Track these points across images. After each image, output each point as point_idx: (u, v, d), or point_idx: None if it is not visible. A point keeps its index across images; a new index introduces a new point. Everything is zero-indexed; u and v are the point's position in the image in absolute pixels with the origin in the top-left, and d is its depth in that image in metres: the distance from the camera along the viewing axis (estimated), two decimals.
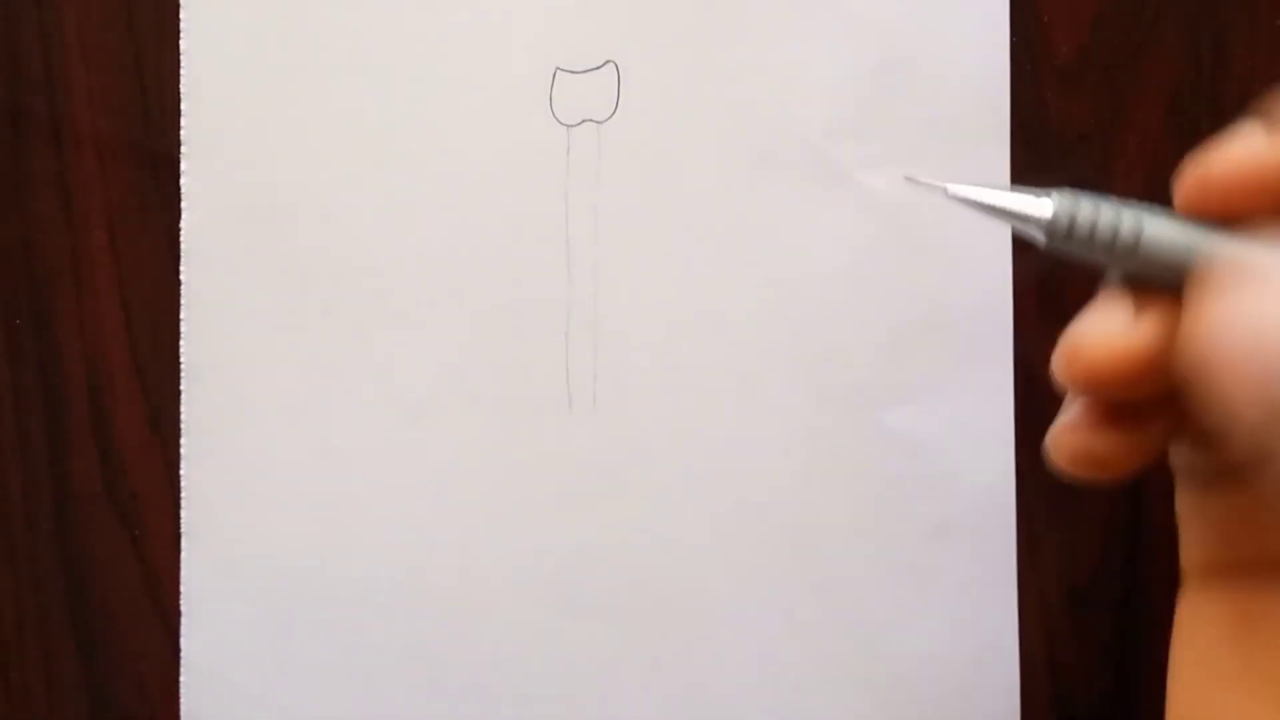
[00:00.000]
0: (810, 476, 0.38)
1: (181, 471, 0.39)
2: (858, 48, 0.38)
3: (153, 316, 0.39)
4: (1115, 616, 0.38)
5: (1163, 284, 0.20)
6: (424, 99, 0.38)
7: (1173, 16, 0.38)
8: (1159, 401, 0.20)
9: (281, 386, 0.39)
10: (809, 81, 0.38)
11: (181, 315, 0.39)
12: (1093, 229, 0.20)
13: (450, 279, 0.39)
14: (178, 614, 0.39)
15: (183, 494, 0.39)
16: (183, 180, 0.39)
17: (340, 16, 0.39)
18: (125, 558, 0.40)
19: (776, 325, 0.38)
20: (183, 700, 0.39)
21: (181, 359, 0.39)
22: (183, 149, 0.39)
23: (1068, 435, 0.21)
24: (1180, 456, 0.23)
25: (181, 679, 0.39)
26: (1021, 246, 0.38)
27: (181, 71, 0.39)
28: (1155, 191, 0.38)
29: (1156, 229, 0.20)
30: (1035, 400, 0.38)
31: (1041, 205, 0.21)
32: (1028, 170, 0.38)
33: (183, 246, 0.39)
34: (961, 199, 0.22)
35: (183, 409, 0.39)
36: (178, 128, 0.39)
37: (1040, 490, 0.38)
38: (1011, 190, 0.22)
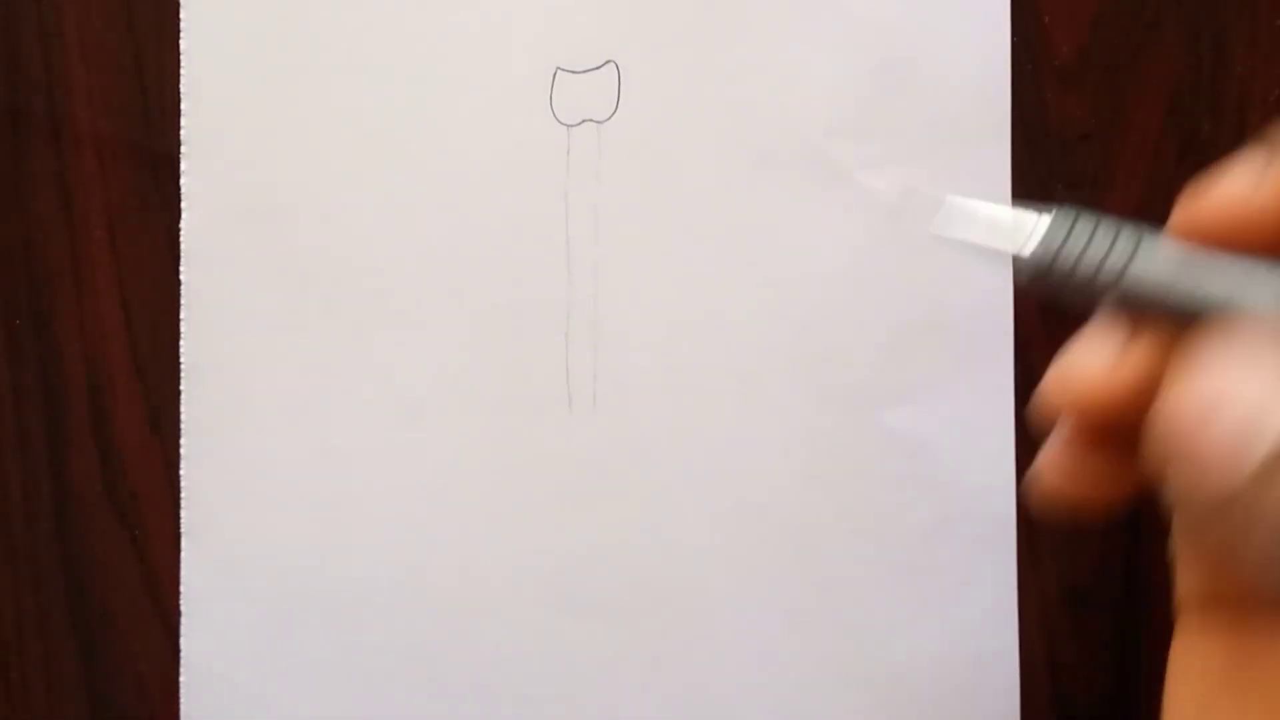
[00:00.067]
0: (810, 476, 0.38)
1: (181, 471, 0.39)
2: (858, 48, 0.38)
3: (153, 316, 0.39)
4: (1115, 616, 0.38)
5: (1156, 313, 0.19)
6: (424, 99, 0.38)
7: (1173, 16, 0.38)
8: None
9: (281, 386, 0.39)
10: (809, 81, 0.38)
11: (181, 315, 0.39)
12: (1080, 261, 0.19)
13: (450, 279, 0.39)
14: (178, 614, 0.39)
15: (183, 494, 0.39)
16: (183, 180, 0.39)
17: (340, 16, 0.39)
18: (125, 558, 0.40)
19: (776, 325, 0.38)
20: (183, 700, 0.39)
21: (181, 359, 0.39)
22: (183, 149, 0.39)
23: (1053, 467, 0.21)
24: (1174, 487, 0.22)
25: (181, 679, 0.39)
26: None
27: (181, 71, 0.39)
28: (1155, 191, 0.38)
29: (1146, 264, 0.19)
30: (1035, 400, 0.38)
31: (1030, 228, 0.20)
32: (1028, 170, 0.38)
33: (183, 246, 0.39)
34: (953, 220, 0.21)
35: (183, 409, 0.39)
36: (178, 128, 0.39)
37: None
38: (1002, 210, 0.21)
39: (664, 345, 0.38)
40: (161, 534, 0.40)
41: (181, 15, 0.39)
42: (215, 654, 0.39)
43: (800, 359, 0.38)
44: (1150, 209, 0.38)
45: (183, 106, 0.39)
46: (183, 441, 0.39)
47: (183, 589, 0.39)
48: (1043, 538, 0.38)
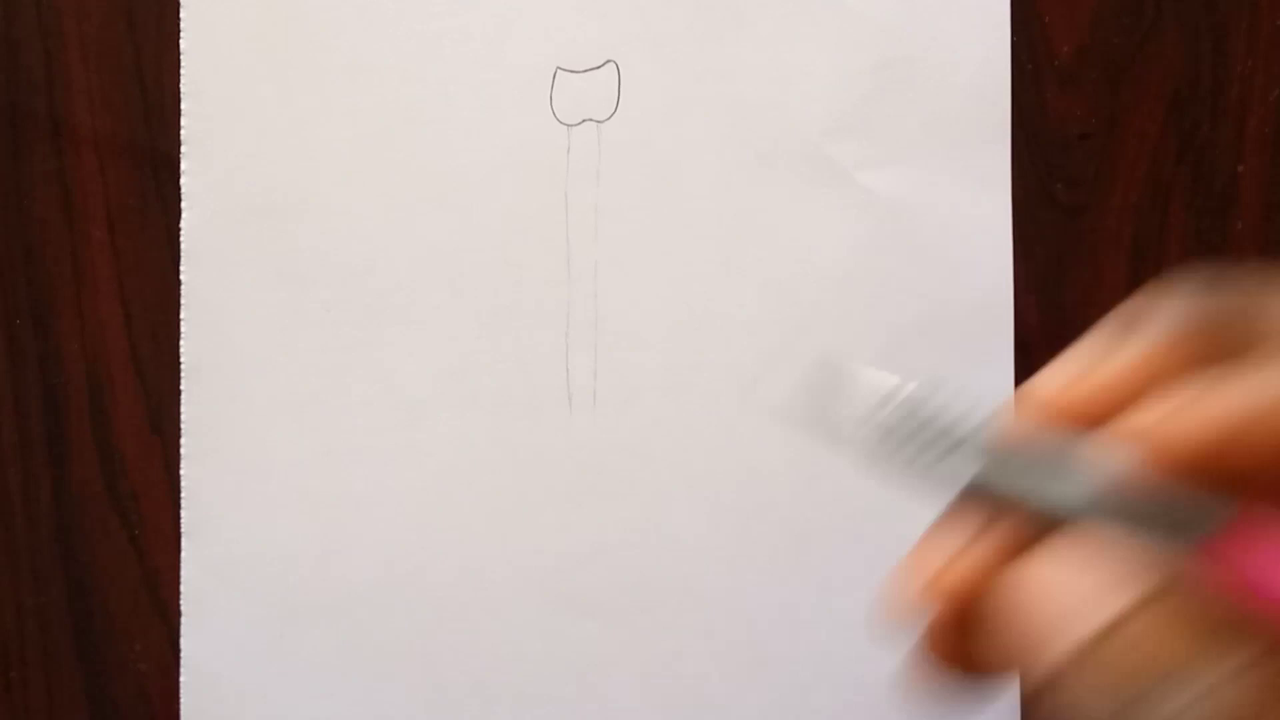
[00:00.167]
0: (810, 476, 0.38)
1: (181, 471, 0.39)
2: (857, 47, 0.38)
3: (153, 316, 0.39)
4: None
5: (997, 499, 0.18)
6: (424, 99, 0.38)
7: (1173, 16, 0.38)
8: None
9: (281, 386, 0.39)
10: (809, 81, 0.38)
11: (181, 315, 0.39)
12: (919, 445, 0.18)
13: (450, 279, 0.39)
14: (178, 614, 0.39)
15: (183, 494, 0.39)
16: (183, 180, 0.39)
17: (340, 17, 0.39)
18: (125, 558, 0.40)
19: (776, 325, 0.38)
20: (183, 700, 0.39)
21: (181, 359, 0.39)
22: (183, 149, 0.39)
23: (927, 654, 0.19)
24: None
25: (181, 679, 0.39)
26: (1022, 246, 0.38)
27: (181, 71, 0.39)
28: (1155, 191, 0.38)
29: (984, 451, 0.18)
30: None
31: (878, 406, 0.19)
32: (1028, 170, 0.38)
33: (183, 246, 0.39)
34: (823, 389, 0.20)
35: (183, 409, 0.39)
36: (178, 128, 0.39)
37: None
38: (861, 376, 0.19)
39: (664, 345, 0.38)
40: (161, 534, 0.39)
41: (181, 15, 0.39)
42: (215, 654, 0.39)
43: (800, 359, 0.38)
44: (1150, 209, 0.38)
45: (183, 106, 0.39)
46: (183, 441, 0.39)
47: (183, 589, 0.39)
48: None
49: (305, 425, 0.39)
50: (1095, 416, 0.17)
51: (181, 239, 0.39)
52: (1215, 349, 0.17)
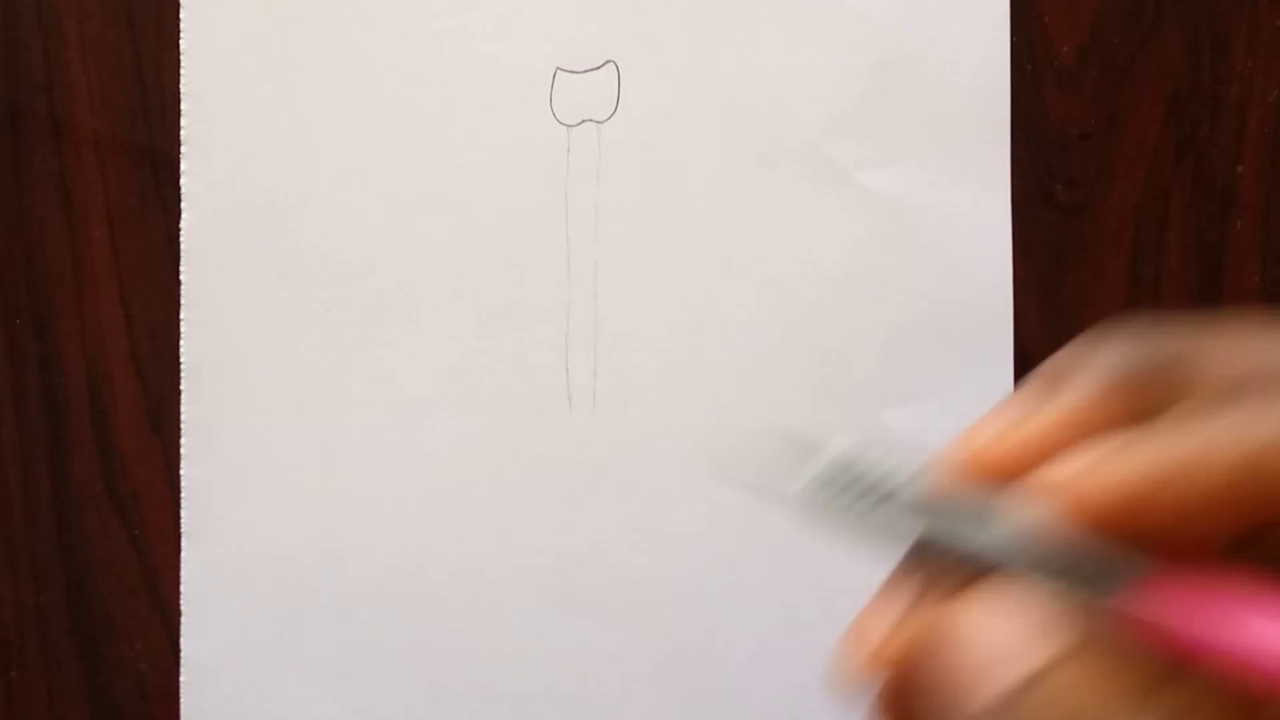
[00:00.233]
0: None
1: (181, 471, 0.39)
2: (857, 47, 0.38)
3: (153, 316, 0.39)
4: None
5: (930, 557, 0.18)
6: (424, 99, 0.38)
7: (1173, 16, 0.38)
8: None
9: (281, 386, 0.39)
10: (809, 81, 0.38)
11: (181, 315, 0.39)
12: (851, 499, 0.19)
13: (450, 279, 0.39)
14: (178, 614, 0.39)
15: (183, 494, 0.39)
16: (183, 180, 0.39)
17: (340, 17, 0.39)
18: (125, 558, 0.40)
19: (776, 325, 0.38)
20: (183, 700, 0.39)
21: (181, 359, 0.39)
22: (183, 149, 0.39)
23: (880, 717, 0.19)
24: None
25: (181, 679, 0.39)
26: (1022, 246, 0.38)
27: (181, 71, 0.39)
28: (1155, 191, 0.38)
29: (921, 515, 0.18)
30: None
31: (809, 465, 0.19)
32: (1028, 170, 0.38)
33: (183, 246, 0.39)
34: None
35: (183, 409, 0.39)
36: (178, 128, 0.39)
37: None
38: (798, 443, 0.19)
39: (664, 345, 0.38)
40: (161, 534, 0.40)
41: (181, 15, 0.39)
42: (215, 654, 0.39)
43: (800, 359, 0.38)
44: (1150, 209, 0.38)
45: (183, 106, 0.39)
46: (183, 441, 0.39)
47: (183, 589, 0.39)
48: None
49: (305, 425, 0.39)
50: (1018, 470, 0.17)
51: (181, 239, 0.39)
52: (1143, 402, 0.17)
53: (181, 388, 0.39)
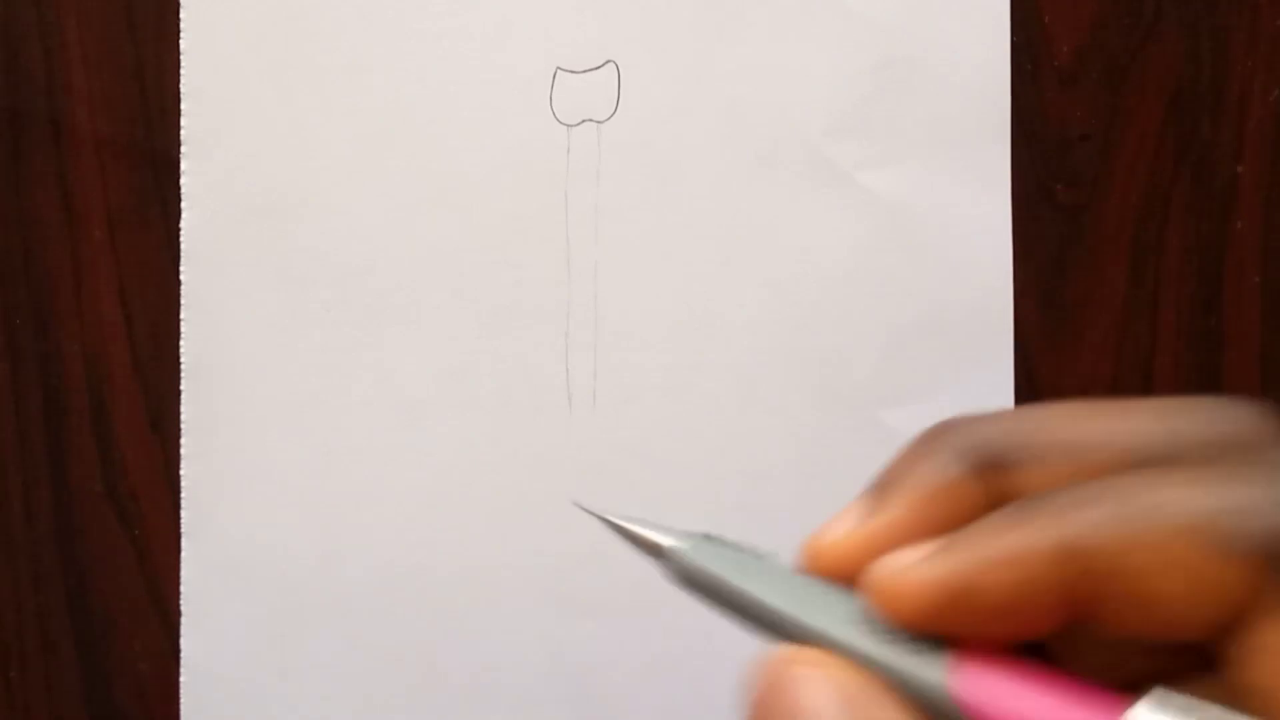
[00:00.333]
0: (810, 476, 0.38)
1: (181, 471, 0.39)
2: (857, 47, 0.38)
3: (153, 316, 0.39)
4: None
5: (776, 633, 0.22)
6: (424, 98, 0.38)
7: (1173, 16, 0.38)
8: None
9: (281, 386, 0.39)
10: (809, 81, 0.38)
11: (181, 315, 0.39)
12: (713, 587, 0.22)
13: (450, 279, 0.39)
14: (178, 614, 0.39)
15: (183, 494, 0.39)
16: (183, 180, 0.39)
17: (340, 17, 0.39)
18: (125, 557, 0.40)
19: (776, 325, 0.38)
20: (183, 700, 0.39)
21: (181, 359, 0.39)
22: (183, 149, 0.39)
23: None
24: None
25: (181, 679, 0.39)
26: (1022, 246, 0.38)
27: (181, 71, 0.39)
28: (1155, 191, 0.38)
29: (762, 591, 0.21)
30: (1035, 400, 0.38)
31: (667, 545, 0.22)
32: (1028, 170, 0.38)
33: (183, 246, 0.39)
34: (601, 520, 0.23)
35: (183, 409, 0.39)
36: (178, 128, 0.39)
37: None
38: (645, 526, 0.23)
39: (664, 345, 0.38)
40: (161, 534, 0.40)
41: (181, 15, 0.39)
42: (215, 654, 0.39)
43: (800, 359, 0.38)
44: (1150, 209, 0.38)
45: (183, 106, 0.39)
46: (183, 441, 0.39)
47: (183, 589, 0.39)
48: None
49: (305, 425, 0.39)
50: (853, 570, 0.20)
51: (181, 239, 0.39)
52: (963, 505, 0.19)
53: (181, 388, 0.39)
